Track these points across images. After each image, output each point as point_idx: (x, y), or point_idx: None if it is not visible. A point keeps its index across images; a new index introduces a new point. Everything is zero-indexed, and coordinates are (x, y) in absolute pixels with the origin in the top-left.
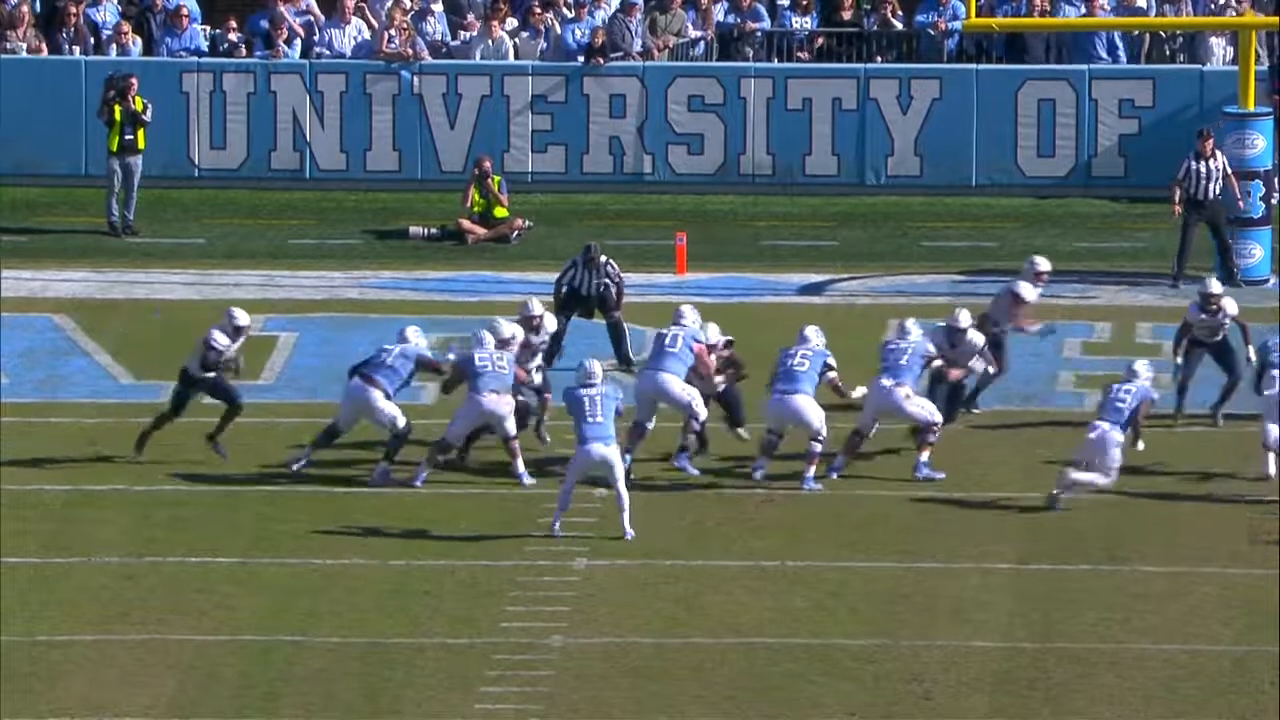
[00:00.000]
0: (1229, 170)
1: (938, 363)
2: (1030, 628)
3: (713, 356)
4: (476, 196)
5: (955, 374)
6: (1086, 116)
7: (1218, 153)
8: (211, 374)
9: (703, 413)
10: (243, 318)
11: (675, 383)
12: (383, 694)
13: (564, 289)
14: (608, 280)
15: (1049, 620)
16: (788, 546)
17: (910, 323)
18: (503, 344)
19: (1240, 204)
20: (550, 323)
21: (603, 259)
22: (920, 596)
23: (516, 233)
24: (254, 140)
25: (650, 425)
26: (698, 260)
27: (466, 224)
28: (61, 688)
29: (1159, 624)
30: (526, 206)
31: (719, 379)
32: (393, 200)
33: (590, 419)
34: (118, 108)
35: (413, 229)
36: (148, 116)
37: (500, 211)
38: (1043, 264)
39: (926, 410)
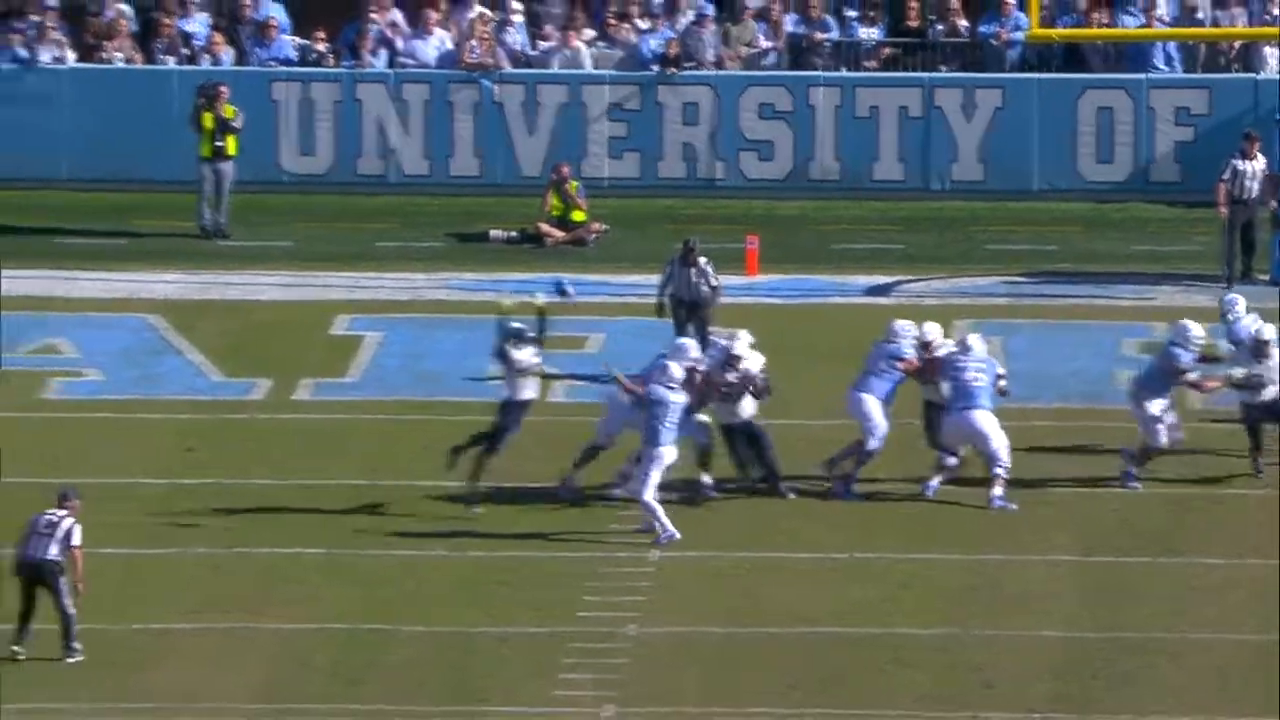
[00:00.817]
0: (1269, 173)
1: (1192, 376)
2: (1093, 618)
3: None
4: (555, 201)
5: (1209, 385)
6: (1144, 124)
7: (1260, 155)
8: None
9: (875, 443)
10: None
11: (871, 404)
12: (466, 681)
13: (667, 297)
14: (704, 282)
15: (1111, 611)
16: (856, 540)
17: (1190, 325)
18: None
19: (1273, 205)
20: (754, 362)
21: (702, 259)
22: (986, 588)
23: (593, 236)
24: (341, 147)
25: (872, 445)
26: (768, 262)
27: (545, 227)
28: (155, 675)
29: (1218, 615)
30: (603, 210)
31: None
32: (474, 204)
33: (670, 424)
34: (209, 115)
35: (493, 232)
36: (238, 124)
37: (578, 215)
38: None
39: (1162, 437)
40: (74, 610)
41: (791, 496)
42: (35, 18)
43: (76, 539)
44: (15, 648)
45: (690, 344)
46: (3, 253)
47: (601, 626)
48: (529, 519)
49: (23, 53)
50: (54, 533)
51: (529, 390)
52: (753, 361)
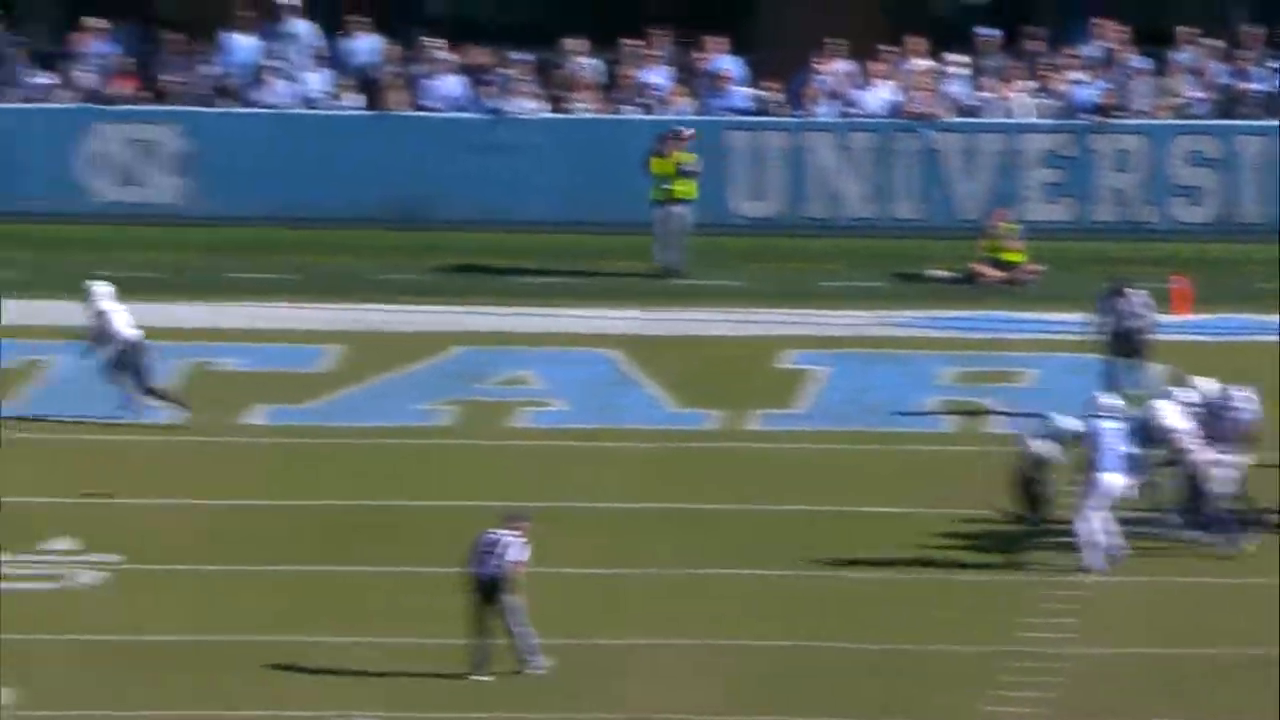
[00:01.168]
0: None
1: None
2: None
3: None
4: (992, 243)
5: None
6: None
7: None
8: None
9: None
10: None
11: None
12: (902, 696)
13: (1102, 334)
14: (1139, 317)
15: None
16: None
17: None
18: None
19: None
20: (1211, 388)
21: (1136, 294)
22: None
23: (1029, 276)
24: (790, 191)
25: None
26: (1194, 303)
27: (981, 268)
28: (618, 687)
29: None
30: (1037, 252)
31: None
32: (915, 246)
33: (1108, 450)
34: (661, 161)
35: (933, 272)
36: (694, 169)
37: (1013, 256)
38: None
39: None
40: (522, 626)
41: (1218, 548)
42: (506, 71)
43: (516, 555)
44: (475, 675)
45: (1205, 384)
46: (474, 289)
47: (1038, 647)
48: (972, 548)
49: (494, 104)
50: (495, 550)
51: None
52: (1246, 400)
